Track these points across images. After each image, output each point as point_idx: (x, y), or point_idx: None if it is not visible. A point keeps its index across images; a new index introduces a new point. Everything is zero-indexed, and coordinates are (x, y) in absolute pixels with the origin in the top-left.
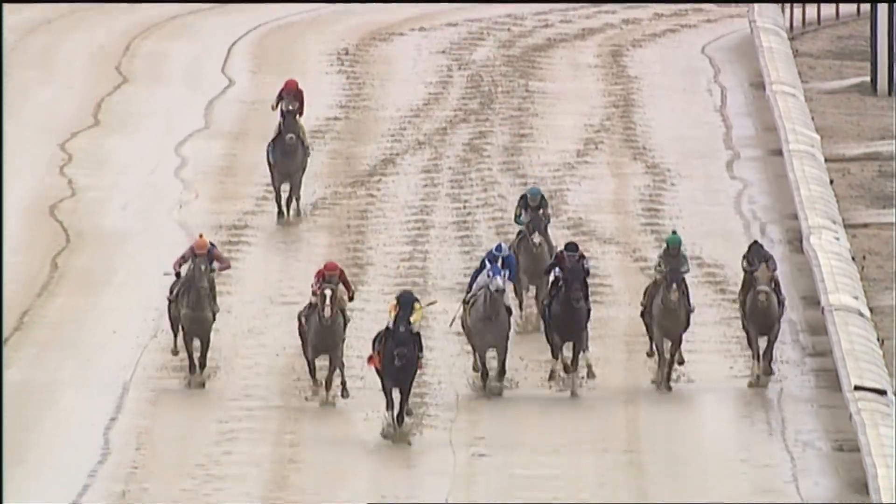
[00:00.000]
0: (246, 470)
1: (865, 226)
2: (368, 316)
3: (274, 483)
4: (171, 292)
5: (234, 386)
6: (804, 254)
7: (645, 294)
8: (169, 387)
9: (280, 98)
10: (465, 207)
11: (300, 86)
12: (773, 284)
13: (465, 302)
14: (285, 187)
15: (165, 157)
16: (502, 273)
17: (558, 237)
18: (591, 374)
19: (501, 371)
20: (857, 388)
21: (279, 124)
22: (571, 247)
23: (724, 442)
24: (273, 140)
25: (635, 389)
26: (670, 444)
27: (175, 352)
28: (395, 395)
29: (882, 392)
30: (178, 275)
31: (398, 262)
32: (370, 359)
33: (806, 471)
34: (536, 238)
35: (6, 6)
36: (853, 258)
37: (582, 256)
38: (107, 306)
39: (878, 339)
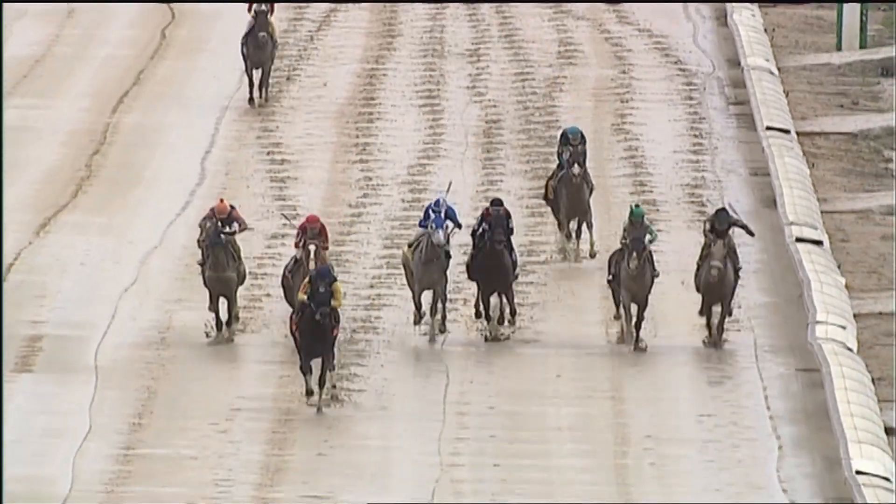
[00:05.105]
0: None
1: (774, 4)
2: (399, 75)
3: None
4: (201, 256)
5: (294, 131)
6: (728, 27)
7: (610, 263)
8: (251, 126)
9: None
10: None
11: None
12: (727, 257)
13: (409, 245)
14: (256, 75)
15: None
16: (444, 226)
17: (543, 16)
18: (511, 320)
19: (440, 312)
20: (768, 128)
21: (252, 22)
22: (497, 202)
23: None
24: (246, 35)
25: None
26: None
27: (212, 310)
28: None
29: (786, 131)
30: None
31: (421, 34)
32: (291, 321)
33: (729, 190)
34: (576, 169)
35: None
36: (765, 30)
37: (507, 214)
38: (202, 67)
39: (784, 91)
